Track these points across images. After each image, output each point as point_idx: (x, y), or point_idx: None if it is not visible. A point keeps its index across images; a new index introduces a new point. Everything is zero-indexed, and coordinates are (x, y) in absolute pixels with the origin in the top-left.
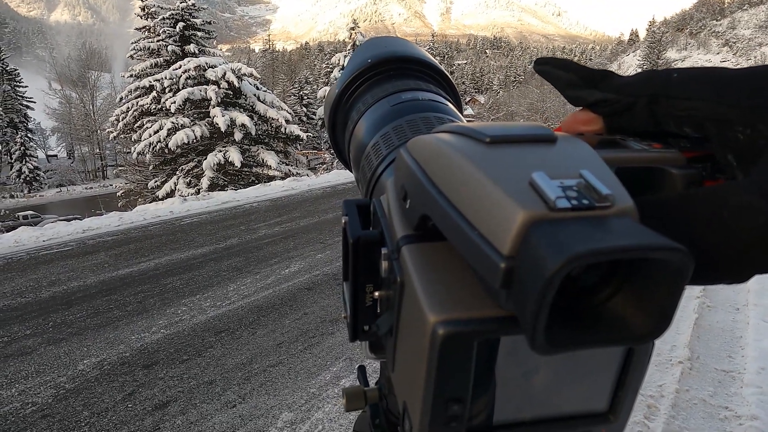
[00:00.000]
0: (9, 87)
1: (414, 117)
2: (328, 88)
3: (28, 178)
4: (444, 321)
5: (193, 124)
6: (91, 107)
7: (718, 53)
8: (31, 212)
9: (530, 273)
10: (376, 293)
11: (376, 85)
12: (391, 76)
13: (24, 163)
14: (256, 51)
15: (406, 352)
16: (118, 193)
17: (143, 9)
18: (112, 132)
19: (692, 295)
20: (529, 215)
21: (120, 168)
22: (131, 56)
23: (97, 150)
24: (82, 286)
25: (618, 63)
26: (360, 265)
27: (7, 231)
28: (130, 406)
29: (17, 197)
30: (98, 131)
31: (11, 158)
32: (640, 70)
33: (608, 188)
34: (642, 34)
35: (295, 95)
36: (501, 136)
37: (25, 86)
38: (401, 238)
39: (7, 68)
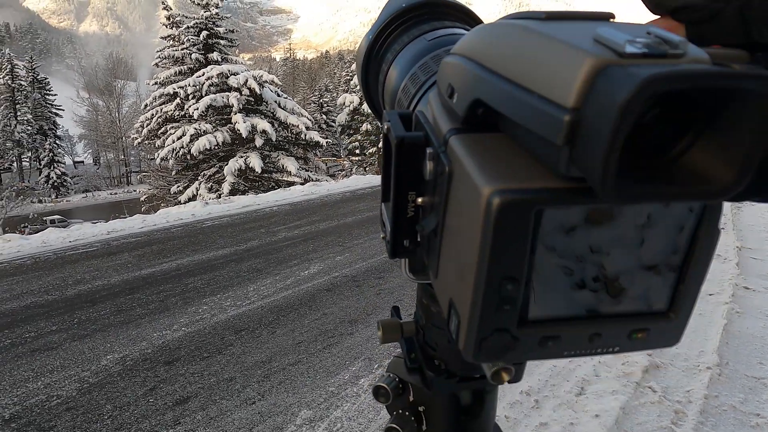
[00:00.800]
0: (39, 95)
1: (452, 48)
2: (347, 95)
3: (55, 184)
4: (500, 190)
5: (215, 131)
6: (117, 114)
7: None
8: (58, 216)
9: (599, 117)
10: (419, 199)
11: (413, 26)
12: (426, 18)
13: (52, 169)
14: (277, 60)
15: (454, 241)
16: (142, 198)
17: (168, 18)
18: (136, 138)
19: (720, 301)
20: (596, 61)
21: (144, 173)
22: (156, 64)
23: (122, 156)
24: (107, 284)
25: None
26: (403, 169)
27: (35, 233)
28: (151, 400)
29: (45, 202)
30: (123, 138)
31: (40, 164)
32: None
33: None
34: None
35: (315, 103)
36: (557, 12)
37: (55, 94)
38: (449, 131)
39: (38, 77)
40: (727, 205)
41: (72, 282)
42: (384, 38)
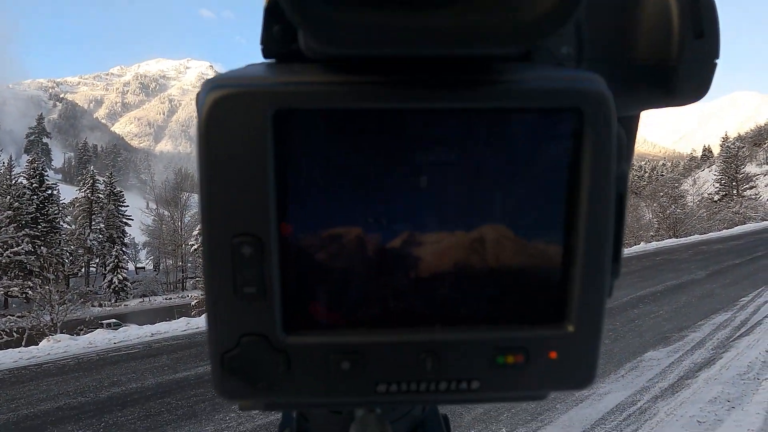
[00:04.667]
0: (113, 206)
1: None
2: None
3: (116, 288)
4: (216, 86)
5: None
6: (179, 223)
7: None
8: (114, 320)
9: None
10: None
11: None
12: None
13: (115, 274)
14: None
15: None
16: (192, 303)
17: None
18: (194, 245)
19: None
20: None
21: (197, 279)
22: None
23: (180, 263)
24: (140, 387)
25: (693, 178)
26: None
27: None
28: None
29: (104, 306)
30: (183, 245)
31: (105, 270)
32: (717, 185)
33: None
34: (715, 150)
35: None
36: None
37: (126, 206)
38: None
39: (115, 190)
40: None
41: (107, 384)
42: None
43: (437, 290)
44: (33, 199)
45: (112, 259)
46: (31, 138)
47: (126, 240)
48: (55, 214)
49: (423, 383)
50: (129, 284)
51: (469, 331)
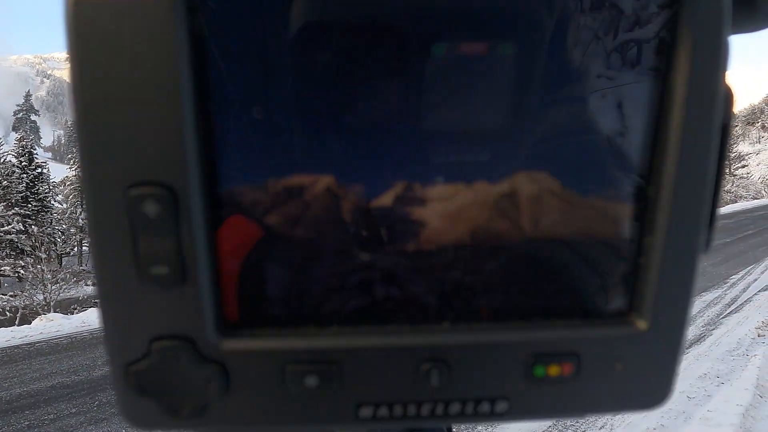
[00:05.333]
0: None
1: None
2: None
3: None
4: None
5: None
6: None
7: None
8: None
9: None
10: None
11: None
12: None
13: None
14: None
15: None
16: None
17: None
18: None
19: None
20: None
21: None
22: None
23: None
24: None
25: None
26: None
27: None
28: None
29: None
30: None
31: None
32: None
33: None
34: None
35: None
36: None
37: None
38: None
39: None
40: None
41: (101, 362)
42: None
43: (447, 271)
44: (23, 178)
45: None
46: (19, 116)
47: None
48: (46, 193)
49: (427, 405)
50: None
51: (495, 331)
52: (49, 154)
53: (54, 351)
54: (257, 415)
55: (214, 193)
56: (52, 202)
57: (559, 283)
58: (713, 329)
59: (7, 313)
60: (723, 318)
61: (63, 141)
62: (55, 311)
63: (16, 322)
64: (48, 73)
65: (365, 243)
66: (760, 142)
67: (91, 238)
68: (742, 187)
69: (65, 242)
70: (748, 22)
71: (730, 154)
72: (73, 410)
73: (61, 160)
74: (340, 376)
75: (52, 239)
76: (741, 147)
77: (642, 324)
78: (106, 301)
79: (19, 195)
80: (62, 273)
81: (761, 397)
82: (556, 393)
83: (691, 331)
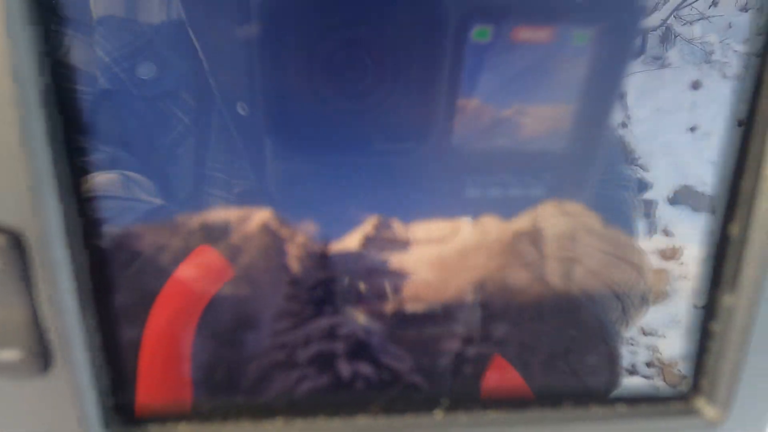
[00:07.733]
0: None
1: None
2: None
3: None
4: None
5: None
6: None
7: None
8: None
9: None
10: None
11: None
12: None
13: None
14: None
15: None
16: None
17: None
18: None
19: None
20: None
21: None
22: None
23: None
24: None
25: None
26: None
27: None
28: None
29: None
30: None
31: None
32: None
33: None
34: None
35: None
36: None
37: None
38: None
39: None
40: None
41: None
42: None
43: (440, 341)
44: None
45: None
46: None
47: None
48: None
49: None
50: None
51: (507, 424)
52: None
53: None
54: None
55: (90, 237)
56: None
57: (598, 354)
58: None
59: None
60: None
61: None
62: None
63: None
64: None
65: (322, 302)
66: None
67: None
68: None
69: None
70: None
71: None
72: None
73: None
74: None
75: None
76: None
77: (711, 412)
78: None
79: None
80: None
81: None
82: None
83: None
